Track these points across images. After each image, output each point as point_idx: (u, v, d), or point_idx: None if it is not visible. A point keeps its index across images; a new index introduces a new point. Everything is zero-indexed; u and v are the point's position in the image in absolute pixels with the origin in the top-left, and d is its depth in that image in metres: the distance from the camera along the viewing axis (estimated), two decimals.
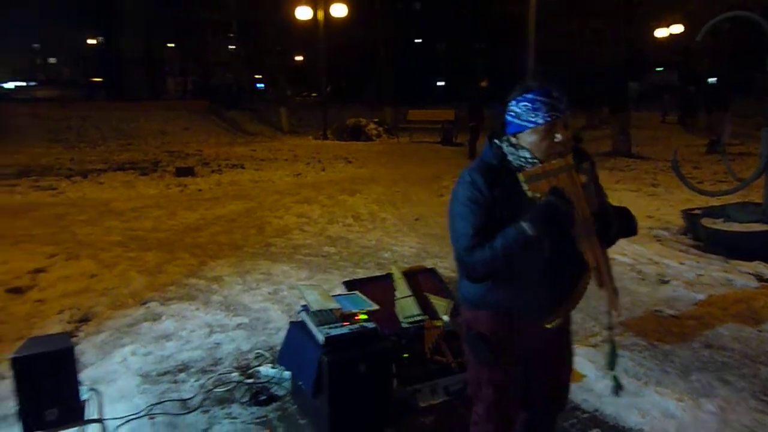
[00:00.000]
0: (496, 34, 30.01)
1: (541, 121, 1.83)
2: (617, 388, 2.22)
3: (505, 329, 1.99)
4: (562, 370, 2.19)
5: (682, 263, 5.60)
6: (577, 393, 3.21)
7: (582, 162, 1.90)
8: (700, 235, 6.32)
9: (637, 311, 4.49)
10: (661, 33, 21.10)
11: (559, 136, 1.83)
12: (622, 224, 1.94)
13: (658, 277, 5.29)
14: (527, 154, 1.88)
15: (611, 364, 2.13)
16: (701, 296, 4.74)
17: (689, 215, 6.74)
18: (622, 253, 5.92)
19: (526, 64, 13.65)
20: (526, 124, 1.86)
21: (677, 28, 20.01)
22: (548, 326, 1.97)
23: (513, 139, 1.91)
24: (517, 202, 1.83)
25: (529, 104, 1.84)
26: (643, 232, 6.86)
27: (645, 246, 6.18)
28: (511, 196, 1.84)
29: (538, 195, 1.79)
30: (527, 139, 1.87)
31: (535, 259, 1.88)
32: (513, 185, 1.85)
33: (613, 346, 2.12)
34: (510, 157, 1.92)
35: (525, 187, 1.82)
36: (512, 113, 1.90)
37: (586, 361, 3.49)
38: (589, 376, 3.37)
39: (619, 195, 9.14)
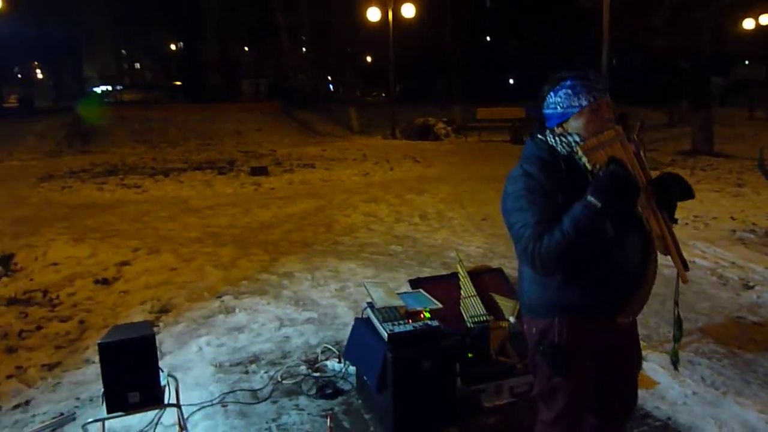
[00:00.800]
0: (570, 29, 29.16)
1: (585, 103, 1.83)
2: (675, 363, 2.15)
3: (581, 333, 1.92)
4: (634, 372, 2.13)
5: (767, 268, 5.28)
6: (649, 400, 3.11)
7: (630, 132, 1.88)
8: None
9: (717, 317, 4.27)
10: (748, 24, 19.85)
11: (606, 116, 1.83)
12: (678, 187, 1.87)
13: (741, 281, 5.01)
14: (576, 138, 1.85)
15: (677, 337, 2.06)
16: None
17: None
18: (702, 256, 5.65)
19: (600, 60, 13.21)
20: (570, 111, 1.85)
21: (766, 19, 18.77)
22: (624, 320, 1.92)
23: (558, 129, 1.90)
24: (577, 185, 1.78)
25: (570, 90, 1.85)
26: (725, 234, 6.50)
27: (727, 249, 5.86)
28: (572, 182, 1.81)
29: (598, 166, 1.78)
30: (574, 124, 1.86)
31: (601, 247, 1.81)
32: (570, 172, 1.83)
33: (679, 320, 2.04)
34: (558, 147, 1.89)
35: (584, 159, 1.80)
36: (552, 105, 1.89)
37: (659, 368, 3.37)
38: (663, 383, 3.25)
39: (700, 195, 8.68)
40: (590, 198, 1.70)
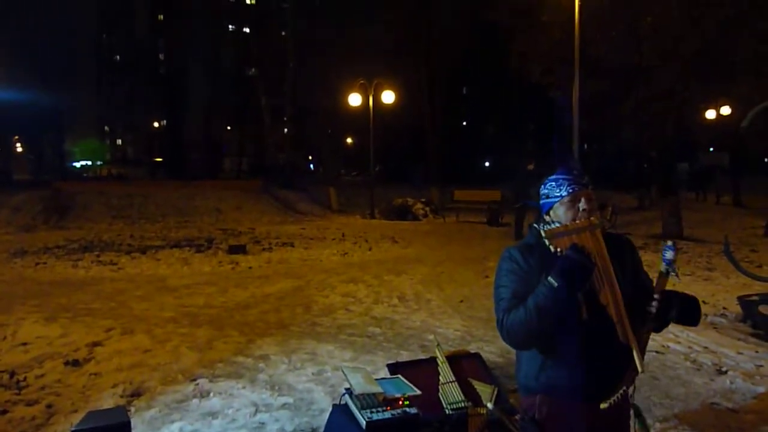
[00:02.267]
0: (544, 116, 30.52)
1: (564, 193, 2.07)
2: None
3: (560, 412, 2.01)
4: None
5: (740, 353, 5.37)
6: None
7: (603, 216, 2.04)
8: (759, 323, 6.06)
9: (692, 403, 4.31)
10: (710, 115, 21.05)
11: (582, 205, 2.04)
12: (685, 310, 2.03)
13: (714, 366, 5.08)
14: (557, 225, 2.07)
15: (642, 427, 2.12)
16: (761, 389, 4.52)
17: (746, 302, 6.50)
18: (676, 341, 5.73)
19: (571, 147, 13.81)
20: (553, 200, 2.10)
21: (726, 110, 19.96)
22: (603, 406, 1.97)
23: (546, 218, 2.13)
24: (550, 270, 1.96)
25: (554, 183, 2.11)
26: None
27: (700, 334, 5.97)
28: (548, 267, 1.98)
29: (560, 250, 1.98)
30: (557, 212, 2.09)
31: (577, 330, 1.95)
32: (548, 257, 2.02)
33: (638, 411, 2.12)
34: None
35: (547, 243, 2.02)
36: (543, 196, 2.15)
37: None
38: None
39: (672, 279, 8.90)
40: (550, 279, 1.90)
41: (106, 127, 54.88)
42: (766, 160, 23.28)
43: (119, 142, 59.29)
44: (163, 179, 30.68)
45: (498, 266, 2.14)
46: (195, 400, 4.34)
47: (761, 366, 5.02)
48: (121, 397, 4.45)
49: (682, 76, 13.65)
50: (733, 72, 14.37)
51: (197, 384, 4.67)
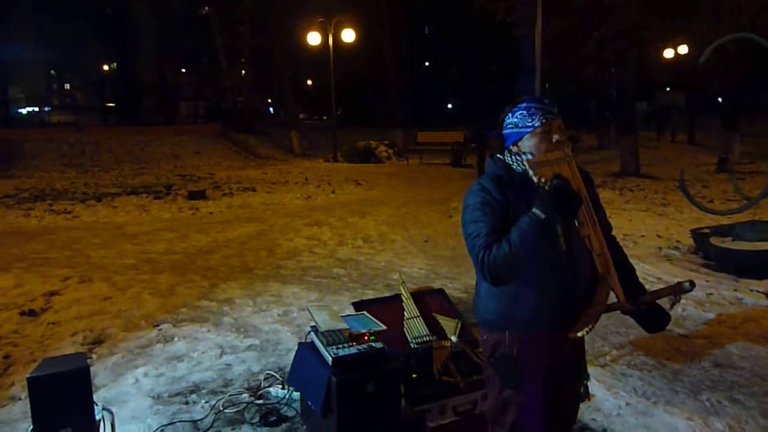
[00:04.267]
0: (507, 57, 30.25)
1: (537, 123, 1.97)
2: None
3: (531, 346, 1.99)
4: (579, 385, 2.22)
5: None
6: (586, 412, 3.22)
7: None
8: (710, 255, 6.30)
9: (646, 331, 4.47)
10: (668, 54, 21.21)
11: (556, 137, 1.96)
12: (655, 321, 2.10)
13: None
14: (530, 157, 1.97)
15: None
16: (711, 315, 4.73)
17: (698, 234, 6.73)
18: None
19: (534, 87, 13.75)
20: (524, 130, 1.99)
21: (683, 49, 20.12)
22: (579, 335, 1.97)
23: (514, 148, 2.03)
24: (529, 200, 1.89)
25: (525, 111, 1.99)
26: (653, 252, 6.86)
27: (654, 265, 6.18)
28: (523, 198, 1.92)
29: (543, 180, 1.88)
30: (527, 143, 1.99)
31: (553, 260, 1.92)
32: (522, 189, 1.95)
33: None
34: (514, 165, 2.02)
35: (531, 173, 1.92)
36: (510, 125, 2.03)
37: (595, 381, 3.49)
38: (598, 396, 3.37)
39: (628, 215, 9.14)
40: (535, 210, 1.82)
41: (53, 71, 52.08)
42: (719, 99, 23.74)
43: (67, 86, 56.56)
44: (117, 125, 29.52)
45: (466, 200, 2.00)
46: (159, 345, 4.30)
47: (711, 294, 5.24)
48: (82, 344, 4.37)
49: (643, 14, 13.62)
50: (692, 9, 14.40)
51: (160, 329, 4.62)
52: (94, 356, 4.13)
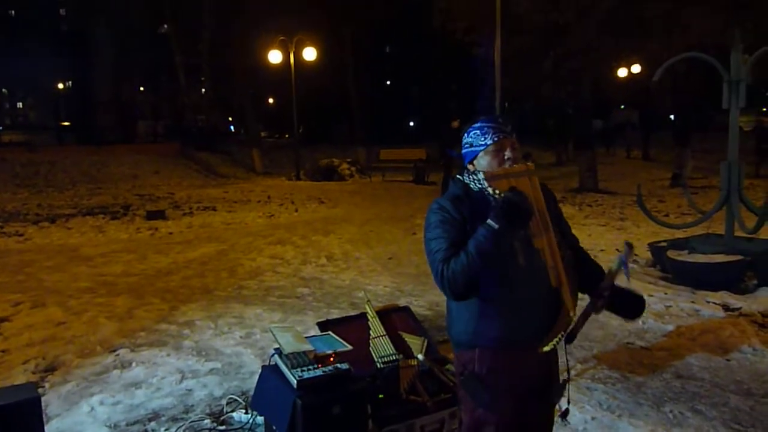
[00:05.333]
0: (467, 75, 30.80)
1: (490, 141, 2.01)
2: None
3: (501, 364, 1.99)
4: (552, 401, 2.20)
5: (650, 295, 5.70)
6: (553, 428, 3.21)
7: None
8: (667, 267, 6.46)
9: (609, 344, 4.54)
10: (622, 73, 21.94)
11: (508, 154, 2.00)
12: (627, 305, 2.15)
13: None
14: (481, 176, 2.00)
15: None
16: (670, 327, 4.83)
17: (655, 248, 6.90)
18: None
19: (494, 105, 14.00)
20: (477, 149, 2.04)
21: (636, 68, 20.84)
22: (545, 349, 1.98)
23: (470, 167, 2.08)
24: (485, 216, 1.90)
25: (478, 131, 2.04)
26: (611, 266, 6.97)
27: (614, 279, 6.28)
28: (479, 214, 1.93)
29: (498, 192, 1.92)
30: (481, 162, 2.04)
31: (514, 275, 1.92)
32: (479, 206, 1.97)
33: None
34: (471, 185, 2.04)
35: (485, 185, 1.96)
36: (466, 144, 2.08)
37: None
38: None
39: (588, 229, 9.32)
40: (489, 221, 1.85)
41: (4, 90, 50.58)
42: (671, 117, 24.65)
43: (20, 105, 55.01)
44: (72, 144, 28.73)
45: (427, 219, 2.04)
46: (116, 371, 4.14)
47: (670, 306, 5.36)
48: (34, 373, 4.18)
49: (598, 34, 14.06)
50: (645, 30, 14.93)
51: (117, 354, 4.46)
52: (47, 385, 3.95)
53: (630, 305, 2.18)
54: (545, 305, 1.98)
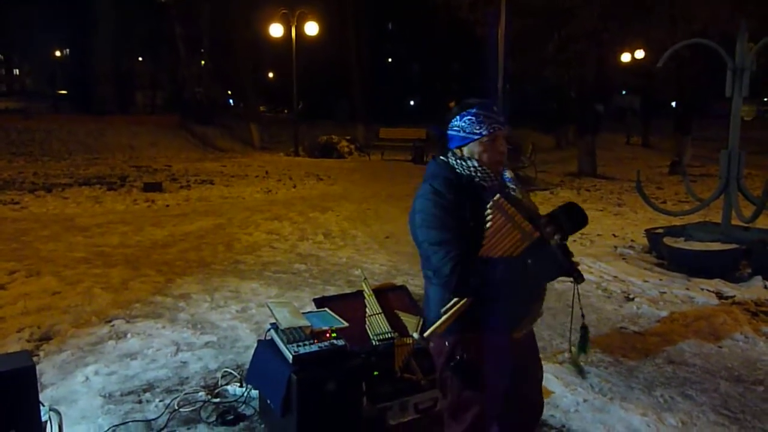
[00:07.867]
0: (469, 56, 30.52)
1: (485, 132, 1.98)
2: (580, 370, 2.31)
3: (486, 348, 2.01)
4: (537, 382, 2.24)
5: (646, 281, 5.73)
6: (544, 409, 3.24)
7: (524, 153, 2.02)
8: (663, 254, 6.48)
9: (603, 328, 4.57)
10: (625, 58, 21.75)
11: (502, 147, 2.00)
12: (570, 223, 1.98)
13: (623, 294, 5.40)
14: (475, 164, 1.99)
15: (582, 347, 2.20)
16: (664, 313, 4.86)
17: (652, 234, 6.91)
18: (588, 271, 6.03)
19: (496, 86, 13.88)
20: (471, 137, 2.00)
21: (640, 54, 20.67)
22: (517, 336, 2.04)
23: (458, 152, 2.03)
24: (474, 203, 1.92)
25: (474, 118, 1.99)
26: (608, 251, 7.01)
27: (610, 264, 6.31)
28: (468, 200, 1.94)
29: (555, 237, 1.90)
30: (473, 150, 2.00)
31: (506, 265, 1.92)
32: (467, 191, 1.97)
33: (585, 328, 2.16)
34: (458, 169, 2.01)
35: (478, 173, 1.97)
36: (456, 128, 2.03)
37: (553, 378, 3.53)
38: (556, 393, 3.41)
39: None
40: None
41: (1, 56, 50.02)
42: (673, 104, 24.54)
43: (16, 72, 54.42)
44: (69, 114, 28.44)
45: (424, 205, 1.98)
46: (111, 342, 4.15)
47: (664, 293, 5.39)
48: (28, 341, 4.18)
49: (603, 18, 13.92)
50: (649, 15, 14.79)
51: (113, 325, 4.46)
52: (42, 354, 3.96)
53: (573, 215, 2.01)
54: (523, 293, 1.99)
